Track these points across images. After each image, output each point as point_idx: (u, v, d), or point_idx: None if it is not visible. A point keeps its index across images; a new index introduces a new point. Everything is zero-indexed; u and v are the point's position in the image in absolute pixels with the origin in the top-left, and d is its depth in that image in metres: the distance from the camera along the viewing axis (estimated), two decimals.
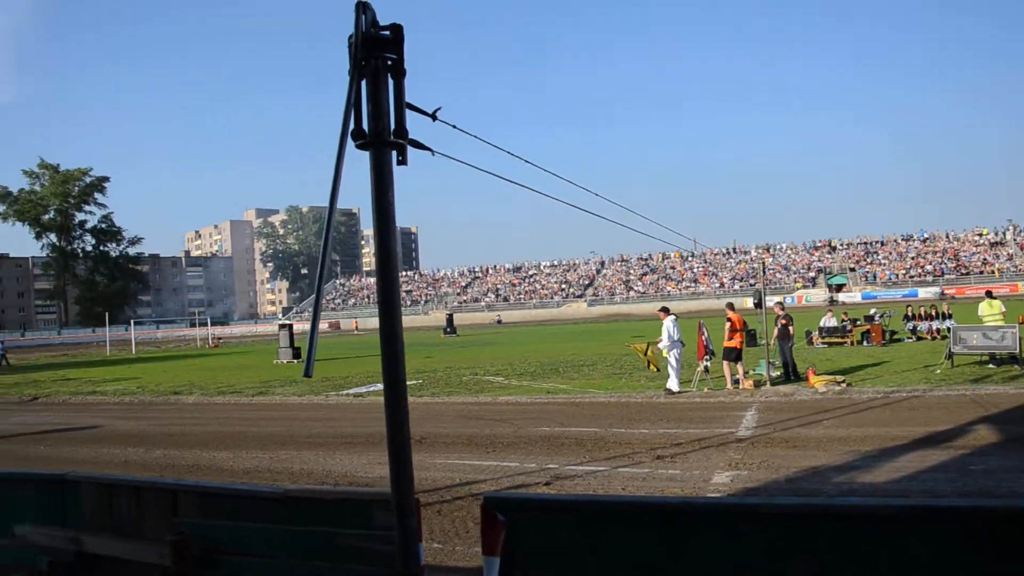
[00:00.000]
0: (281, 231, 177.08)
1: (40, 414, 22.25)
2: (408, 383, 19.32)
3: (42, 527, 3.62)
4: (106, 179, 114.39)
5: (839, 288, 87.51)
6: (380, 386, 21.90)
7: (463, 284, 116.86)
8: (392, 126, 2.38)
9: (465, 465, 11.30)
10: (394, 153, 2.39)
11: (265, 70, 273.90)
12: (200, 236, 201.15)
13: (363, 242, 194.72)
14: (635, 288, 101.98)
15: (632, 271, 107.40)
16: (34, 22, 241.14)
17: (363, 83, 2.37)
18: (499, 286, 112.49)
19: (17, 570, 3.69)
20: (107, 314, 78.57)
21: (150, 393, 25.36)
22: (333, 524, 2.88)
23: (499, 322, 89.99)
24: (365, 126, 2.37)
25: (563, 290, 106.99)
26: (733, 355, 18.20)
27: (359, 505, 2.84)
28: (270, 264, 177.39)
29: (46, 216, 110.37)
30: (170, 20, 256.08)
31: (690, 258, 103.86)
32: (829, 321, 29.63)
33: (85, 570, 3.53)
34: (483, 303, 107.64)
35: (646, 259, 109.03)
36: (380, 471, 11.22)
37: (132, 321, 76.36)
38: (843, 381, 17.37)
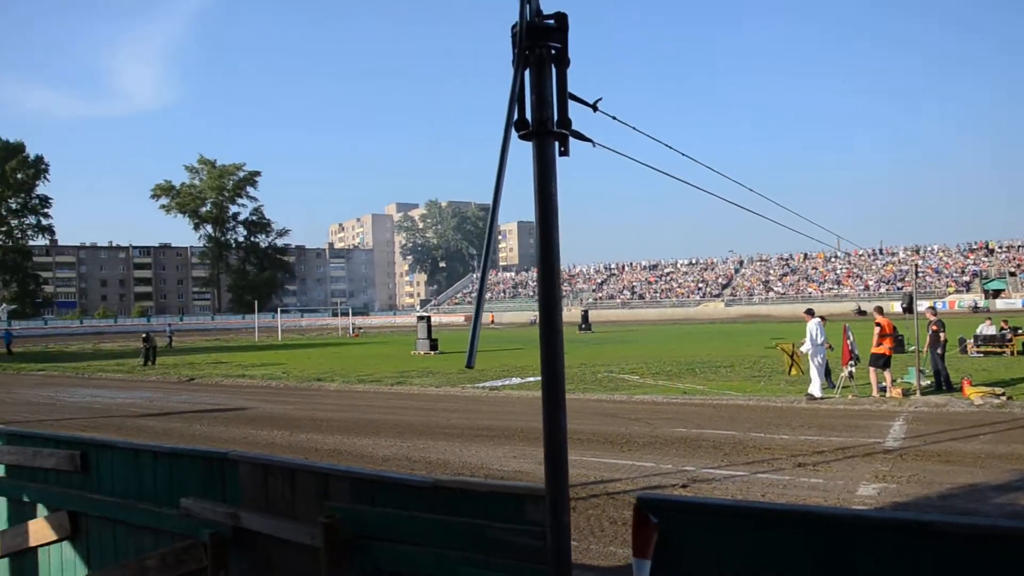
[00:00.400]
0: (420, 225, 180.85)
1: (196, 394, 23.47)
2: (540, 378, 19.49)
3: (204, 501, 3.77)
4: (257, 173, 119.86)
5: (997, 294, 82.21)
6: (516, 380, 22.20)
7: (599, 281, 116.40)
8: (555, 116, 2.33)
9: (600, 463, 11.19)
10: (556, 144, 2.34)
11: (408, 68, 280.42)
12: (343, 229, 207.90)
13: (500, 237, 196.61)
14: (775, 289, 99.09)
15: (772, 271, 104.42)
16: (195, 32, 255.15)
17: (526, 73, 2.34)
18: (635, 283, 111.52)
19: (183, 539, 3.86)
20: (256, 302, 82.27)
21: (295, 379, 26.32)
22: (483, 516, 2.87)
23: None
24: (528, 116, 2.33)
25: (700, 289, 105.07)
26: (881, 361, 17.36)
27: (510, 499, 2.81)
28: (409, 257, 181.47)
29: (204, 208, 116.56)
30: (317, 18, 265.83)
31: (833, 259, 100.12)
32: (987, 329, 27.86)
33: (242, 544, 3.65)
34: (618, 300, 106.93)
35: (787, 259, 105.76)
36: (515, 464, 11.27)
37: (279, 309, 79.71)
38: (1002, 394, 16.27)
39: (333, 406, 19.47)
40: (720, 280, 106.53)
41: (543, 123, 2.32)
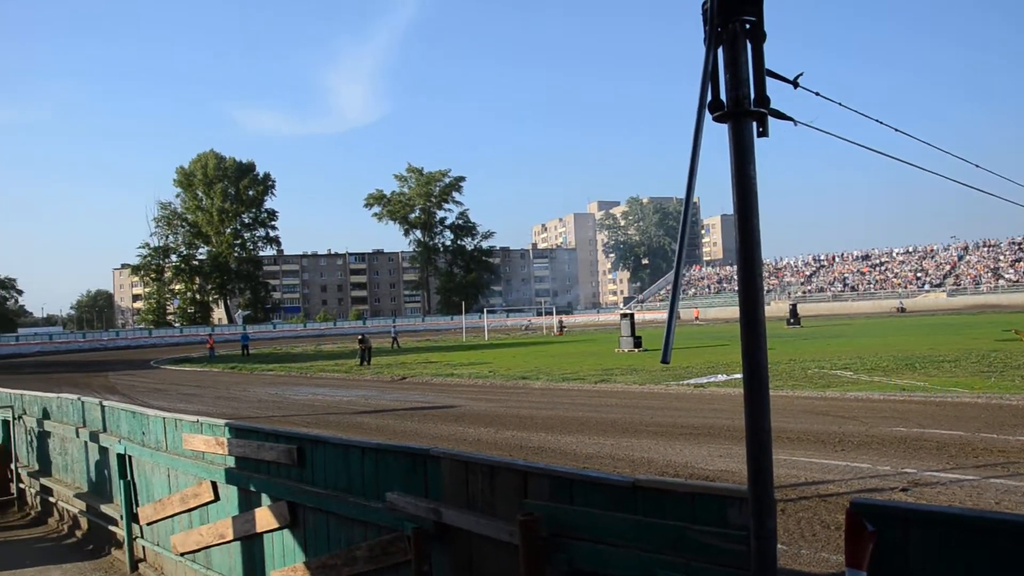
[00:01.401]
0: (622, 222, 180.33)
1: (408, 392, 24.45)
2: None
3: (408, 496, 3.86)
4: (462, 179, 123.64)
5: None
6: (721, 377, 21.64)
7: (807, 273, 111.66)
8: (752, 95, 2.19)
9: (811, 463, 10.67)
10: (754, 124, 2.20)
11: (603, 63, 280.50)
12: (546, 229, 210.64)
13: (703, 231, 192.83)
14: (1005, 276, 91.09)
15: (1001, 257, 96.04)
16: (399, 50, 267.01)
17: (719, 51, 2.21)
18: (846, 275, 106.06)
19: (389, 532, 3.98)
20: (463, 303, 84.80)
21: (501, 377, 26.83)
22: (683, 518, 2.76)
23: (902, 310, 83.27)
24: (722, 96, 2.20)
25: (919, 279, 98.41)
26: None
27: (711, 500, 2.68)
28: (611, 255, 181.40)
29: (413, 215, 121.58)
30: (510, 19, 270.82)
31: None
32: None
33: (443, 539, 3.71)
34: (829, 293, 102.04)
35: (1019, 243, 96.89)
36: (721, 464, 10.96)
37: (485, 310, 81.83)
38: None
39: (538, 404, 19.69)
40: (941, 269, 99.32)
41: (739, 102, 2.18)
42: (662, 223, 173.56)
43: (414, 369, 32.77)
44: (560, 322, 75.76)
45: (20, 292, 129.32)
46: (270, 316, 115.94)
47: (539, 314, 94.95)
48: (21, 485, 10.60)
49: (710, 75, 2.17)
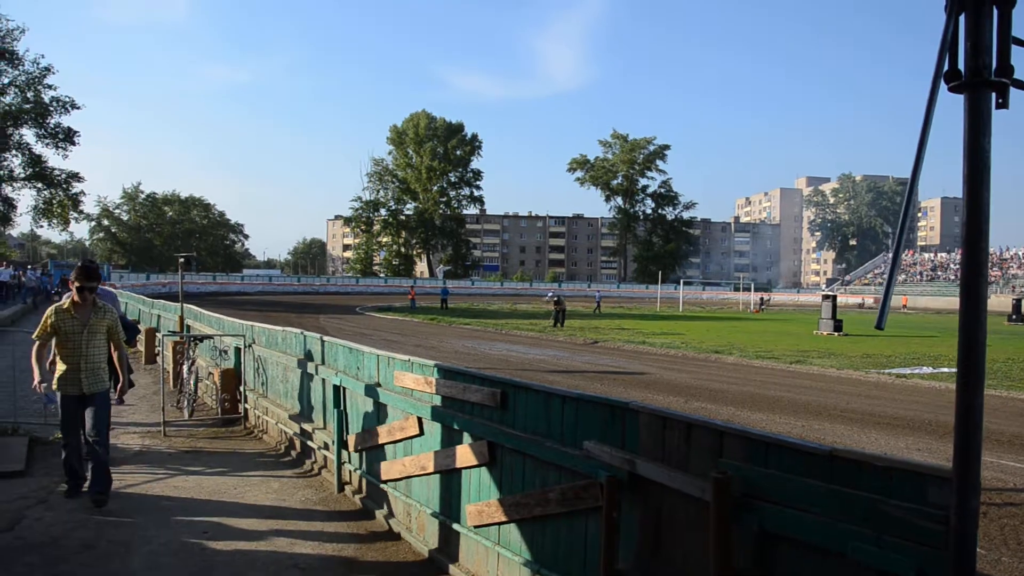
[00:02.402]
0: (832, 200, 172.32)
1: (600, 356, 24.69)
2: (956, 369, 17.71)
3: (604, 445, 4.02)
4: (667, 147, 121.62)
5: None
6: (927, 369, 20.54)
7: None
8: (994, 64, 2.13)
9: (1022, 469, 10.02)
10: (992, 95, 2.14)
11: (819, 29, 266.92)
12: (750, 203, 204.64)
13: (920, 214, 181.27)
14: None
15: None
16: (611, 12, 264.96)
17: (961, 18, 2.16)
18: None
19: (583, 478, 4.16)
20: (660, 272, 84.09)
21: (693, 349, 26.56)
22: (878, 491, 2.75)
23: None
24: (961, 65, 2.16)
25: None
26: None
27: (909, 476, 2.66)
28: (818, 233, 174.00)
29: (615, 181, 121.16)
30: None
31: None
32: None
33: (635, 489, 3.84)
34: None
35: None
36: (917, 457, 10.46)
37: (681, 281, 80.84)
38: None
39: (729, 378, 19.40)
40: None
41: (978, 71, 2.13)
42: (875, 203, 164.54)
43: (606, 334, 32.95)
44: (760, 299, 73.73)
45: (246, 236, 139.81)
46: (469, 273, 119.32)
47: (736, 289, 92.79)
48: (247, 406, 11.63)
49: (948, 43, 2.14)
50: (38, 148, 59.80)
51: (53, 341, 7.61)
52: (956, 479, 2.23)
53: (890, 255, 2.14)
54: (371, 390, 6.94)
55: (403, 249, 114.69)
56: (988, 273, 2.15)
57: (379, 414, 6.89)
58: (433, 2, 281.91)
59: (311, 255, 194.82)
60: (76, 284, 7.35)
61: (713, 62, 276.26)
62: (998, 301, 78.70)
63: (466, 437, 5.40)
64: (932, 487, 2.61)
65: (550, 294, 40.38)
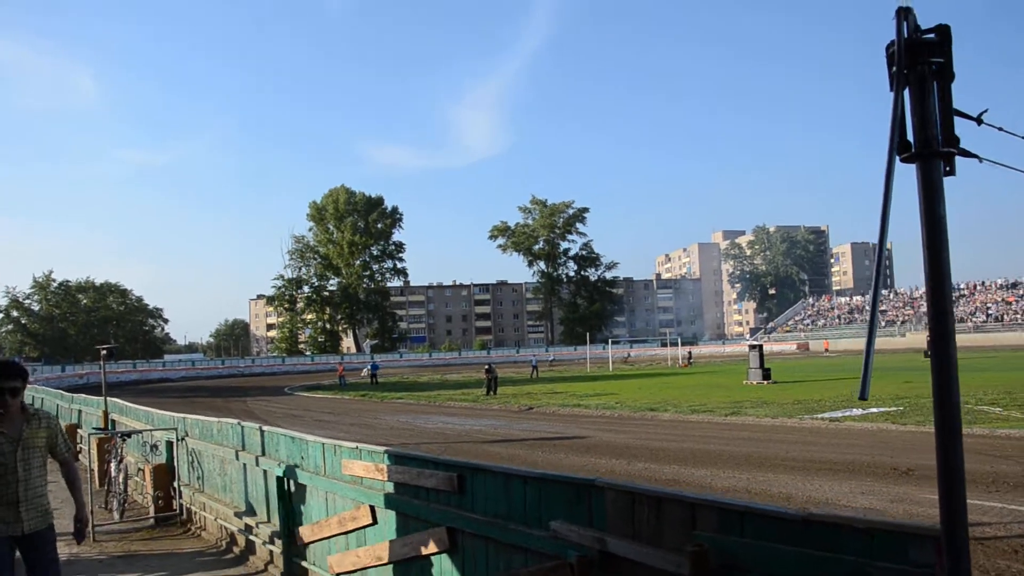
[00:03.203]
0: (748, 252, 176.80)
1: (536, 422, 24.59)
2: (886, 409, 17.87)
3: (571, 525, 3.96)
4: (586, 210, 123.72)
5: None
6: (857, 411, 20.97)
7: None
8: (939, 136, 2.22)
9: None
10: (941, 164, 2.23)
11: (730, 91, 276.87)
12: (670, 259, 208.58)
13: (832, 260, 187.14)
14: None
15: None
16: (524, 81, 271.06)
17: (905, 92, 2.25)
18: (990, 305, 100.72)
19: (551, 559, 4.08)
20: (587, 334, 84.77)
21: (628, 408, 26.70)
22: (859, 554, 2.75)
23: None
24: (910, 137, 2.24)
25: None
26: None
27: (891, 537, 2.67)
28: (738, 285, 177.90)
29: (537, 246, 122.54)
30: (631, 46, 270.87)
31: None
32: None
33: (607, 568, 3.78)
34: (970, 323, 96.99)
35: None
36: (864, 501, 10.62)
37: (609, 340, 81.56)
38: None
39: (667, 436, 19.50)
40: None
41: (927, 143, 2.22)
42: (790, 252, 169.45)
43: (540, 399, 32.93)
44: (688, 353, 74.74)
45: (166, 321, 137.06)
46: (397, 345, 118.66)
47: (663, 345, 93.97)
48: (182, 501, 11.22)
49: (899, 118, 2.21)
50: None
51: None
52: (946, 541, 2.24)
53: (869, 311, 2.16)
54: (317, 480, 6.75)
55: (328, 325, 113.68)
56: (954, 337, 2.20)
57: (327, 504, 6.70)
58: (349, 79, 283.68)
59: (234, 336, 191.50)
60: None
61: (625, 120, 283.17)
62: (913, 339, 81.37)
63: (423, 524, 5.27)
64: (913, 547, 2.62)
65: (488, 365, 40.33)
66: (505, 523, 4.44)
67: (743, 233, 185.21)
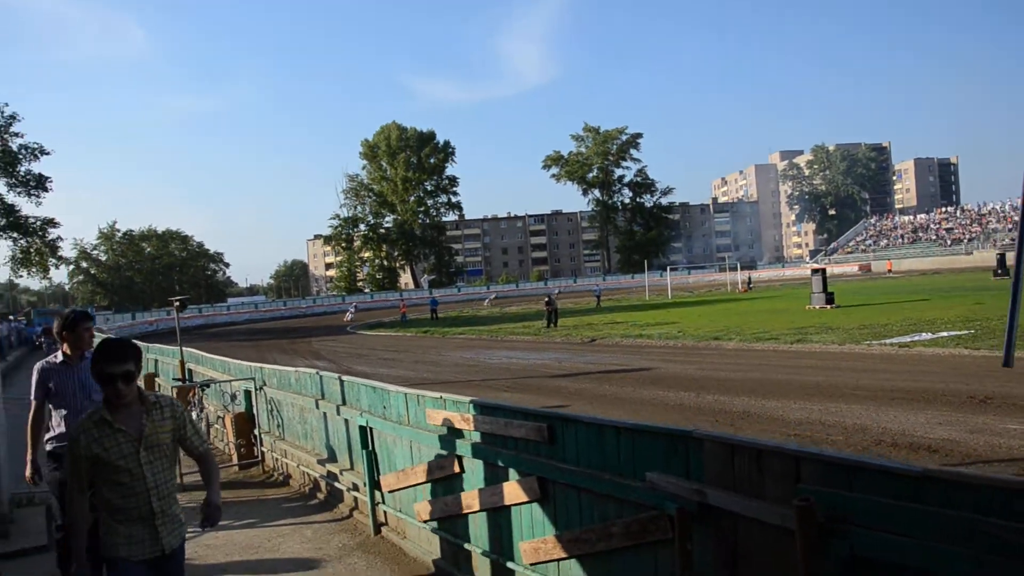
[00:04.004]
0: (807, 172, 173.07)
1: (600, 354, 24.65)
2: (956, 333, 17.32)
3: (668, 476, 3.96)
4: (639, 135, 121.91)
5: None
6: (926, 335, 20.62)
7: (1016, 218, 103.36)
8: None
9: None
10: None
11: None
12: (726, 183, 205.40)
13: (894, 177, 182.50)
14: None
15: None
16: (572, 6, 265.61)
17: None
18: None
19: (648, 510, 4.10)
20: (644, 261, 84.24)
21: (691, 338, 26.53)
22: (974, 510, 2.71)
23: None
24: None
25: None
26: None
27: (1008, 494, 2.62)
28: (796, 206, 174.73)
29: (591, 174, 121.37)
30: None
31: None
32: None
33: (706, 520, 3.78)
34: None
35: None
36: (941, 432, 10.45)
37: (668, 267, 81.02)
38: None
39: (733, 365, 19.40)
40: None
41: None
42: (850, 171, 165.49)
43: (601, 330, 32.90)
44: (749, 279, 73.91)
45: (227, 265, 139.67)
46: (454, 280, 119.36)
47: (721, 270, 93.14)
48: (263, 449, 11.52)
49: None
50: (10, 197, 59.36)
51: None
52: None
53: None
54: (401, 429, 6.86)
55: (386, 262, 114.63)
56: None
57: (412, 453, 6.81)
58: (393, 13, 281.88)
59: (293, 277, 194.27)
60: (103, 371, 4.00)
61: (678, 42, 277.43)
62: (981, 257, 79.42)
63: (512, 473, 5.32)
64: (1019, 502, 2.58)
65: (548, 296, 40.46)
66: (599, 473, 4.45)
67: (801, 153, 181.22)
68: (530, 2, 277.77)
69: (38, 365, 6.09)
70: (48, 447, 6.11)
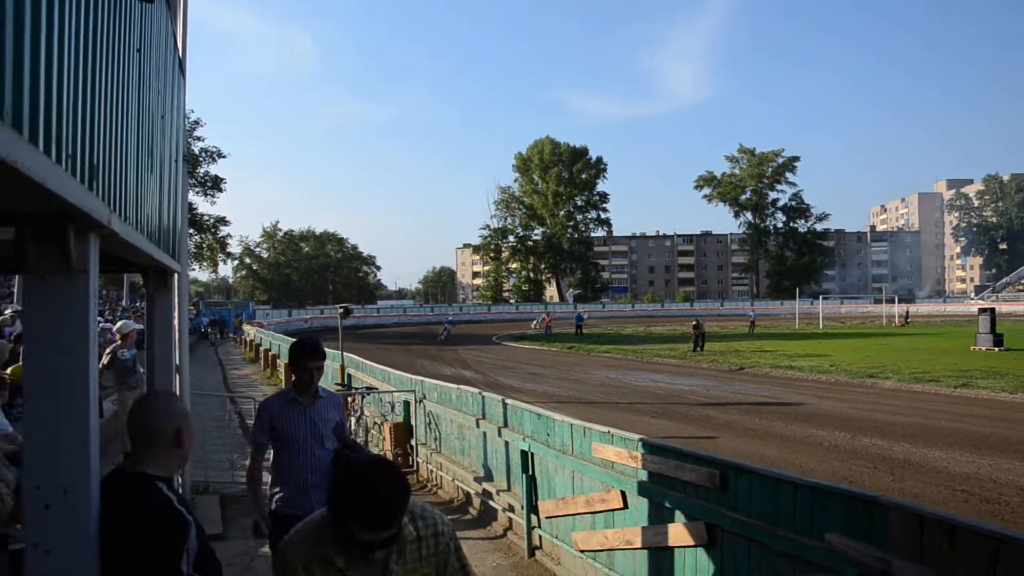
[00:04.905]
0: (976, 203, 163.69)
1: (747, 384, 24.18)
2: None
3: (850, 540, 3.92)
4: (796, 159, 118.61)
5: None
6: None
7: None
8: None
9: None
10: None
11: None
12: (886, 210, 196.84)
13: None
14: None
15: None
16: (729, 25, 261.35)
17: None
18: None
19: (825, 571, 4.08)
20: (795, 288, 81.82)
21: (844, 373, 25.65)
22: None
23: None
24: None
25: None
26: None
27: None
28: (962, 239, 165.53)
29: (743, 196, 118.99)
30: None
31: None
32: None
33: None
34: None
35: None
36: None
37: (820, 296, 78.38)
38: None
39: (891, 407, 18.65)
40: None
41: None
42: None
43: (749, 358, 32.23)
44: (906, 312, 70.54)
45: (379, 268, 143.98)
46: (599, 295, 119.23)
47: (876, 302, 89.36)
48: (419, 459, 11.93)
49: None
50: (190, 197, 63.46)
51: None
52: None
53: None
54: (564, 459, 7.01)
55: (532, 275, 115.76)
56: None
57: (573, 482, 6.94)
58: (549, 27, 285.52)
59: (441, 283, 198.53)
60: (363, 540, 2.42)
61: (841, 64, 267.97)
62: None
63: (679, 516, 5.36)
64: None
65: (696, 320, 40.03)
66: (772, 527, 4.46)
67: (971, 182, 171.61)
68: (690, 19, 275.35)
69: (262, 401, 5.41)
70: (272, 504, 4.94)
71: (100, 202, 2.82)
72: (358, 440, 12.92)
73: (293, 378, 5.02)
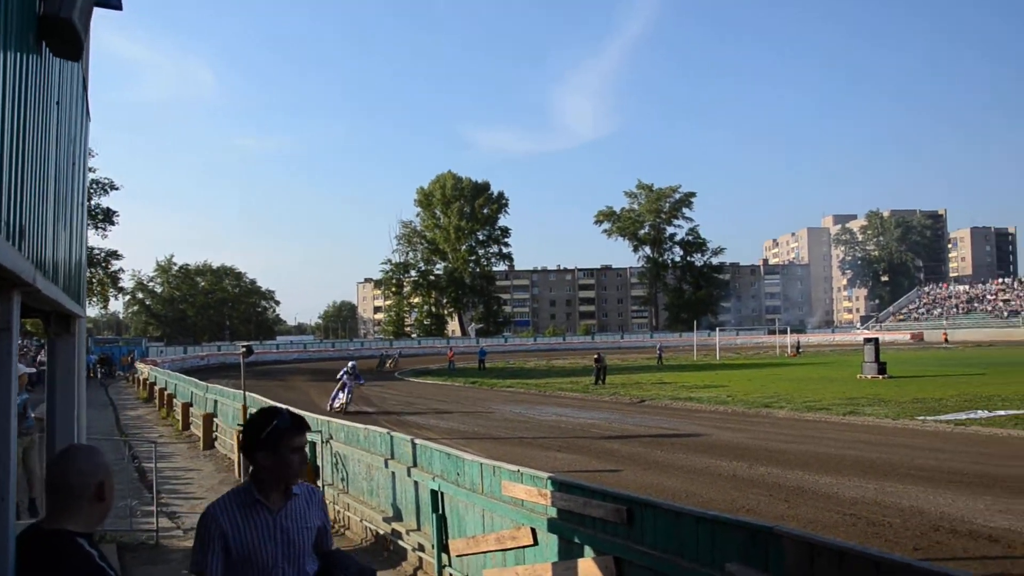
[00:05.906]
0: (860, 237, 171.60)
1: (648, 416, 24.67)
2: (1015, 412, 17.07)
3: (747, 568, 4.17)
4: (693, 194, 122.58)
5: None
6: (982, 413, 20.38)
7: None
8: None
9: None
10: None
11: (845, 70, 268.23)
12: (777, 244, 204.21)
13: (950, 246, 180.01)
14: None
15: None
16: (627, 63, 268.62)
17: None
18: None
19: None
20: (693, 321, 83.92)
21: (741, 404, 26.42)
22: None
23: None
24: None
25: None
26: None
27: None
28: (848, 271, 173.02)
29: (642, 231, 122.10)
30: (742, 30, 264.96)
31: None
32: None
33: None
34: None
35: None
36: (1002, 521, 10.35)
37: (716, 328, 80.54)
38: None
39: (785, 436, 19.32)
40: None
41: None
42: (904, 237, 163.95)
43: (650, 391, 32.92)
44: (798, 343, 73.11)
45: (277, 303, 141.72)
46: (502, 329, 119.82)
47: (770, 332, 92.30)
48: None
49: None
50: None
51: None
52: None
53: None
54: (474, 497, 7.13)
55: (434, 309, 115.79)
56: None
57: (484, 521, 7.06)
58: (454, 61, 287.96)
59: (342, 318, 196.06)
60: None
61: (735, 103, 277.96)
62: None
63: (588, 551, 5.54)
64: None
65: (597, 354, 40.67)
66: (677, 559, 4.68)
67: (855, 217, 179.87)
68: (591, 57, 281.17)
69: (209, 507, 3.28)
70: None
71: (27, 262, 2.85)
72: None
73: (254, 469, 3.28)
